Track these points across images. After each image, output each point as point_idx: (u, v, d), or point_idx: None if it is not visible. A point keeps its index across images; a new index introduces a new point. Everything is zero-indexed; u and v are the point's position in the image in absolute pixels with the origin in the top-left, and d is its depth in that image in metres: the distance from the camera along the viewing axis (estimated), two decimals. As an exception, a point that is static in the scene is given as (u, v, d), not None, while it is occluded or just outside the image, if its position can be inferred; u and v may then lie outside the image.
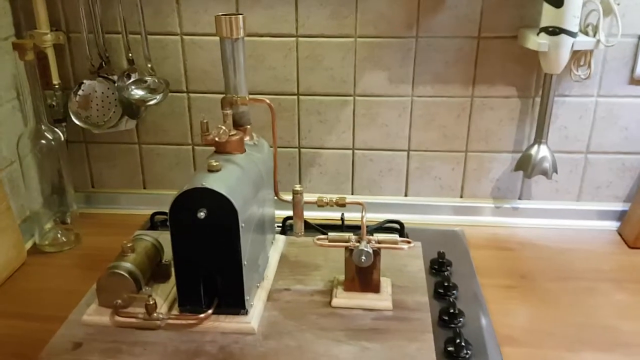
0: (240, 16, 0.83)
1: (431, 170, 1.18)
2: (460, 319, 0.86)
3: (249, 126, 0.90)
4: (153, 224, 1.16)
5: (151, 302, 0.80)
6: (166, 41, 1.12)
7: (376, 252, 0.85)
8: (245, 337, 0.81)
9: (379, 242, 0.85)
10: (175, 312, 0.83)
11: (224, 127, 0.82)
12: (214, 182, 0.76)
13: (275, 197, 0.93)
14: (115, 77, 1.10)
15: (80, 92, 1.11)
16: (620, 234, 1.13)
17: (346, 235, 0.87)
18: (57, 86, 1.13)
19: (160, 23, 1.11)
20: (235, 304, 0.82)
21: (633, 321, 0.88)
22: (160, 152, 1.21)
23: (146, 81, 1.11)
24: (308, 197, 0.89)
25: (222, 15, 0.82)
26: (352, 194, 1.21)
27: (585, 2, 0.98)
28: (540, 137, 1.09)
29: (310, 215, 0.90)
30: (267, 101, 0.85)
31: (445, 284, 0.93)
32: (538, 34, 1.00)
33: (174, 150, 1.21)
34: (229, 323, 0.82)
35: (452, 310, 0.86)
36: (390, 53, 1.09)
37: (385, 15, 1.07)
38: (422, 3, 1.05)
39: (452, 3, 1.05)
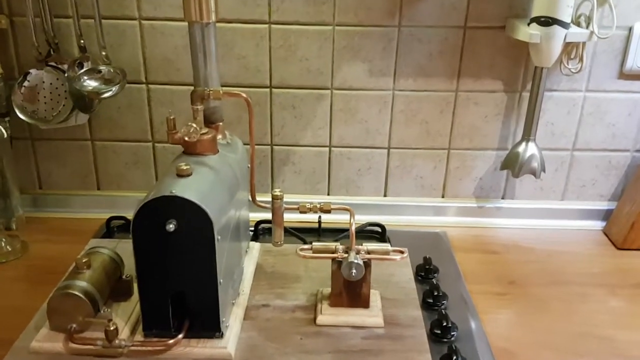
0: (211, -3, 0.74)
1: (412, 168, 1.13)
2: (454, 333, 0.81)
3: (221, 123, 0.81)
4: (109, 229, 1.08)
5: (112, 328, 0.71)
6: (123, 26, 1.05)
7: (366, 264, 0.78)
8: (222, 363, 0.73)
9: (369, 252, 0.78)
10: (139, 336, 0.75)
11: (194, 125, 0.74)
12: (185, 189, 0.69)
13: (251, 201, 0.85)
14: (65, 67, 1.04)
15: (25, 83, 1.04)
16: (606, 234, 1.11)
17: (332, 245, 0.79)
18: (-2, 76, 1.05)
19: (116, 6, 1.03)
20: (209, 327, 0.75)
21: (629, 330, 0.85)
22: (116, 150, 1.14)
23: (100, 71, 1.04)
24: (285, 199, 0.83)
25: (189, -4, 0.74)
26: (329, 194, 1.15)
27: (579, -9, 0.95)
28: (528, 134, 1.04)
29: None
30: (244, 95, 0.77)
31: (435, 293, 0.88)
32: (529, 25, 0.96)
33: (132, 147, 1.13)
34: (202, 348, 0.74)
35: (444, 323, 0.81)
36: (371, 43, 1.04)
37: (366, 2, 1.01)
38: (405, -11, 1.01)
39: (438, -11, 1.01)
